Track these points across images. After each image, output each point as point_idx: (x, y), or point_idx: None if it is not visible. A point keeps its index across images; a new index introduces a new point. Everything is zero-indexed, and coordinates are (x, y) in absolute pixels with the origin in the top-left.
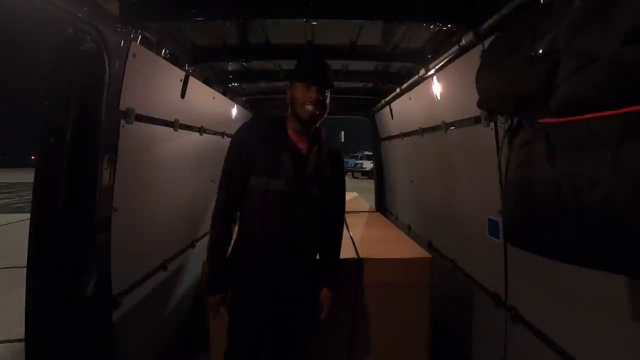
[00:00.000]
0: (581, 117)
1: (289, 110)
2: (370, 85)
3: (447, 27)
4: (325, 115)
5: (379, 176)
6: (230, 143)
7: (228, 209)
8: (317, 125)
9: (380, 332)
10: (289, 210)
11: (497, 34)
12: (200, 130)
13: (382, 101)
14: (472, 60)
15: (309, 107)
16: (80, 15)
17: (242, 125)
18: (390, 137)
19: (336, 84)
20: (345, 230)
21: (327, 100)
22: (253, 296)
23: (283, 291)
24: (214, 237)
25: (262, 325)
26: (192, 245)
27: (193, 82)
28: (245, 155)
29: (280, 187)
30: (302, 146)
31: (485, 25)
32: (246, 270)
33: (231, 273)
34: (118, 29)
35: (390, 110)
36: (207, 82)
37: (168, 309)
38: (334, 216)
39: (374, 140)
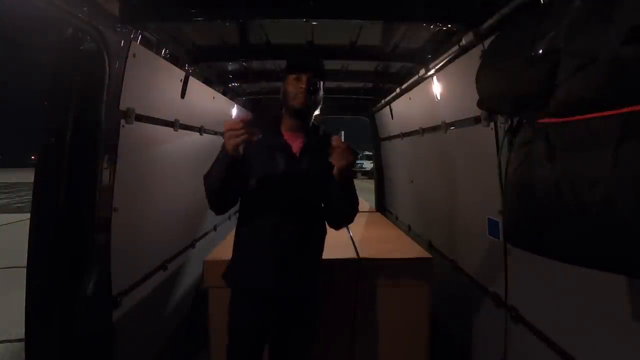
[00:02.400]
0: (581, 117)
1: (284, 107)
2: (370, 85)
3: (447, 27)
4: (318, 106)
5: (379, 176)
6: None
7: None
8: (315, 121)
9: (380, 332)
10: (283, 209)
11: (497, 34)
12: (200, 130)
13: (382, 101)
14: (472, 60)
15: (300, 97)
16: (80, 15)
17: None
18: (390, 137)
19: (336, 84)
20: (345, 230)
21: (320, 91)
22: (251, 298)
23: (280, 294)
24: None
25: (262, 326)
26: (192, 245)
27: (193, 82)
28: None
29: (272, 187)
30: (296, 144)
31: (485, 25)
32: (243, 272)
33: (231, 273)
34: (118, 29)
35: (390, 110)
36: (207, 82)
37: (168, 309)
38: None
39: (374, 140)
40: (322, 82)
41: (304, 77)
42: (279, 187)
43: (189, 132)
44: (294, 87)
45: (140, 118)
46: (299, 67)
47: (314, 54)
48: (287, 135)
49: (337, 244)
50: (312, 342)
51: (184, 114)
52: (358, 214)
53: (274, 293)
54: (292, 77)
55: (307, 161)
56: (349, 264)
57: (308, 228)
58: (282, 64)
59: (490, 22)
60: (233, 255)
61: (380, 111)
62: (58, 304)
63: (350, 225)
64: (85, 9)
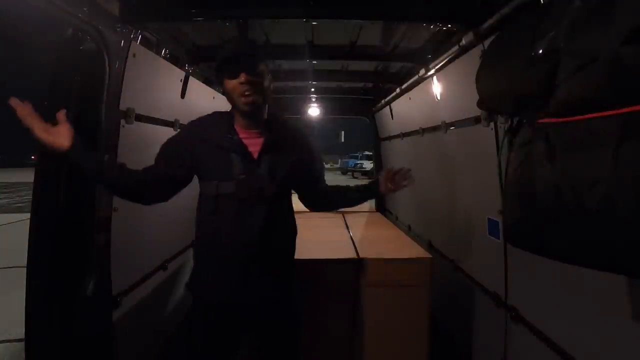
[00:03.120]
0: (581, 117)
1: (232, 105)
2: (370, 85)
3: (447, 27)
4: (268, 99)
5: None
6: (168, 139)
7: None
8: (269, 113)
9: (380, 332)
10: (243, 214)
11: (497, 34)
12: None
13: (382, 101)
14: (472, 60)
15: (246, 96)
16: (80, 15)
17: (187, 125)
18: (390, 137)
19: (336, 84)
20: (345, 231)
21: (265, 81)
22: (215, 312)
23: (244, 303)
24: None
25: (229, 344)
26: (192, 245)
27: (193, 82)
28: (189, 157)
29: (230, 190)
30: (254, 144)
31: (485, 25)
32: (204, 283)
33: (193, 284)
34: (118, 29)
35: (390, 110)
36: (207, 82)
37: (168, 309)
38: (323, 197)
39: (374, 140)
40: (264, 74)
41: (242, 74)
42: (236, 193)
43: None
44: (235, 86)
45: (140, 118)
46: (231, 66)
47: (243, 44)
48: (243, 134)
49: (337, 244)
50: (298, 351)
51: (184, 114)
52: (358, 214)
53: (240, 302)
54: (227, 75)
55: (267, 163)
56: (349, 264)
57: (271, 232)
58: (283, 63)
59: (490, 22)
60: (193, 264)
61: (380, 111)
62: (58, 304)
63: (350, 225)
64: (85, 9)
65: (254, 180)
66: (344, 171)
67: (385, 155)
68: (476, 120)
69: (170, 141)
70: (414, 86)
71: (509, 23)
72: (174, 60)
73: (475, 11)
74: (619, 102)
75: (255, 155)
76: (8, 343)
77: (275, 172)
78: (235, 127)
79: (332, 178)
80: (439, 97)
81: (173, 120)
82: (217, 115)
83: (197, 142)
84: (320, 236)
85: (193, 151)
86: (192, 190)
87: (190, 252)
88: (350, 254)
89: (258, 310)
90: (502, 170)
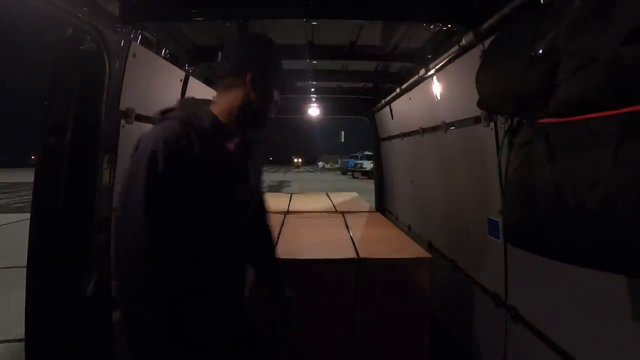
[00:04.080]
0: (581, 117)
1: (238, 112)
2: (370, 85)
3: (447, 27)
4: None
5: (379, 176)
6: (147, 167)
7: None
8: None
9: (380, 332)
10: (236, 238)
11: (497, 34)
12: None
13: (382, 101)
14: (472, 60)
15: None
16: (80, 15)
17: (161, 143)
18: (390, 137)
19: (336, 84)
20: (345, 230)
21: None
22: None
23: (241, 312)
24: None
25: None
26: None
27: (193, 82)
28: (181, 182)
29: (223, 204)
30: (238, 147)
31: (485, 25)
32: (196, 318)
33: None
34: (118, 29)
35: (390, 110)
36: (207, 82)
37: None
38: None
39: (374, 140)
40: None
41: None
42: (229, 207)
43: None
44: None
45: (140, 118)
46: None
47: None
48: (228, 141)
49: (337, 244)
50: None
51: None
52: (358, 214)
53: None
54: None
55: (251, 173)
56: (349, 264)
57: (259, 238)
58: (283, 63)
59: (490, 22)
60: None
61: (380, 111)
62: (58, 304)
63: (350, 225)
64: (85, 9)
65: (245, 201)
66: (344, 171)
67: (385, 155)
68: (476, 120)
69: (163, 172)
70: (414, 86)
71: (509, 23)
72: (174, 60)
73: (475, 11)
74: (619, 102)
75: (241, 164)
76: (8, 343)
77: (258, 177)
78: (225, 141)
79: (332, 178)
80: (439, 97)
81: None
82: (194, 122)
83: (185, 163)
84: (320, 236)
85: (187, 168)
86: None
87: None
88: (350, 254)
89: (244, 338)
90: (502, 170)
